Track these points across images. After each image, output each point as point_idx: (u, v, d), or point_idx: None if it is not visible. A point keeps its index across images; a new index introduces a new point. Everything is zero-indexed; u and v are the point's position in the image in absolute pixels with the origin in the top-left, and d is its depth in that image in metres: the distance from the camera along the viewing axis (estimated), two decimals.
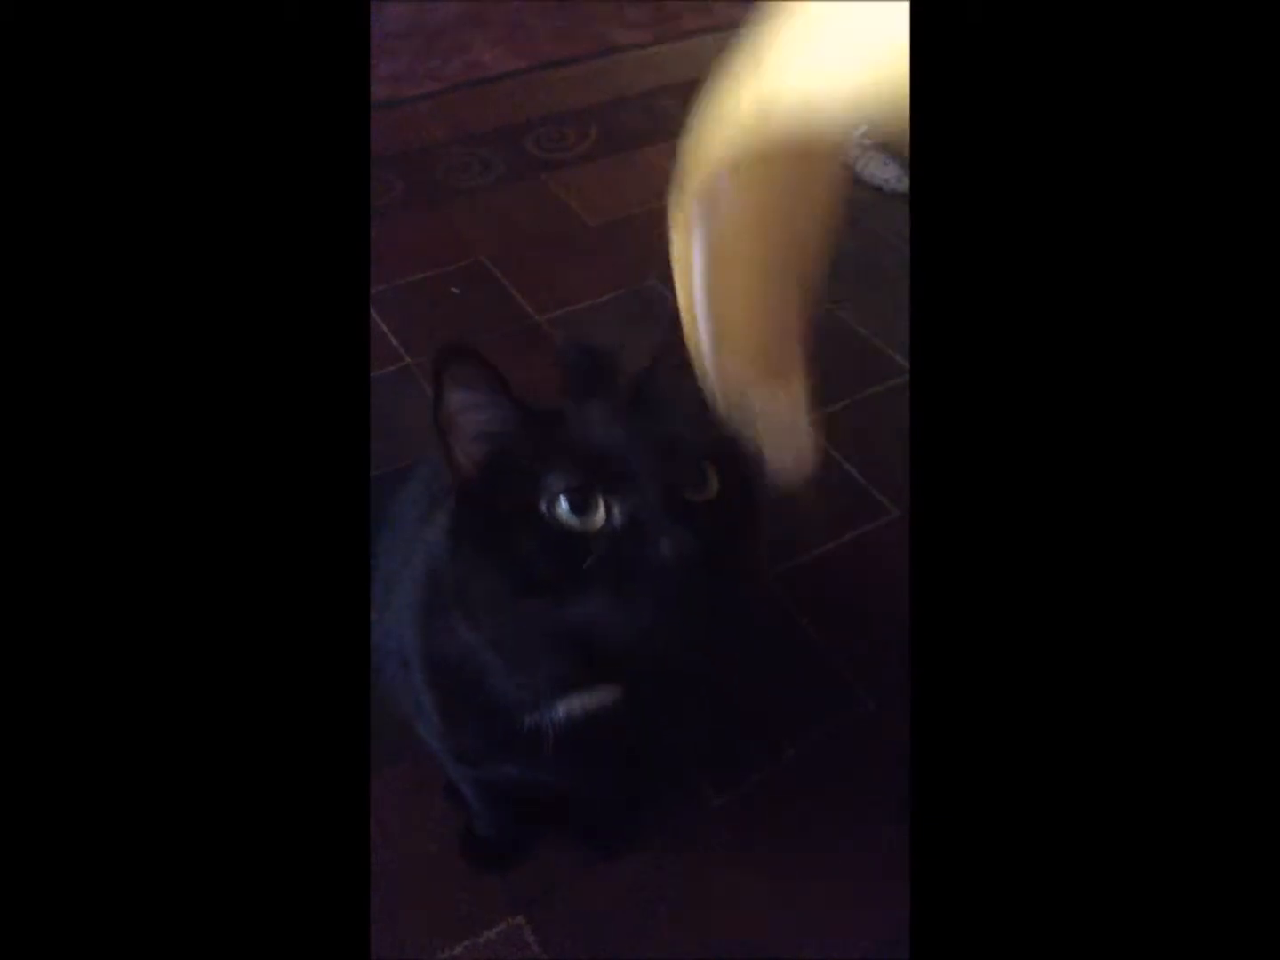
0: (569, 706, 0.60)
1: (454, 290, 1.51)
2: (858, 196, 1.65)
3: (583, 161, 1.78)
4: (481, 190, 1.71)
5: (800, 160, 0.48)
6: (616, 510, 0.50)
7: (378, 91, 1.95)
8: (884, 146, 1.68)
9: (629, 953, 0.83)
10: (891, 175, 1.64)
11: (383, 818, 0.90)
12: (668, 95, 1.97)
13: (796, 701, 1.00)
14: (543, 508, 0.50)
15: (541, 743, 0.60)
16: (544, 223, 1.63)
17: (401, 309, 1.46)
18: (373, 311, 1.46)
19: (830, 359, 1.37)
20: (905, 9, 0.41)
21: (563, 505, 0.50)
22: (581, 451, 0.51)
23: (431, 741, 0.74)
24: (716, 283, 0.50)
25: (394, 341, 1.40)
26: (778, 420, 0.53)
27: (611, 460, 0.50)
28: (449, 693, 0.65)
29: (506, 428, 0.53)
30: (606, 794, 0.87)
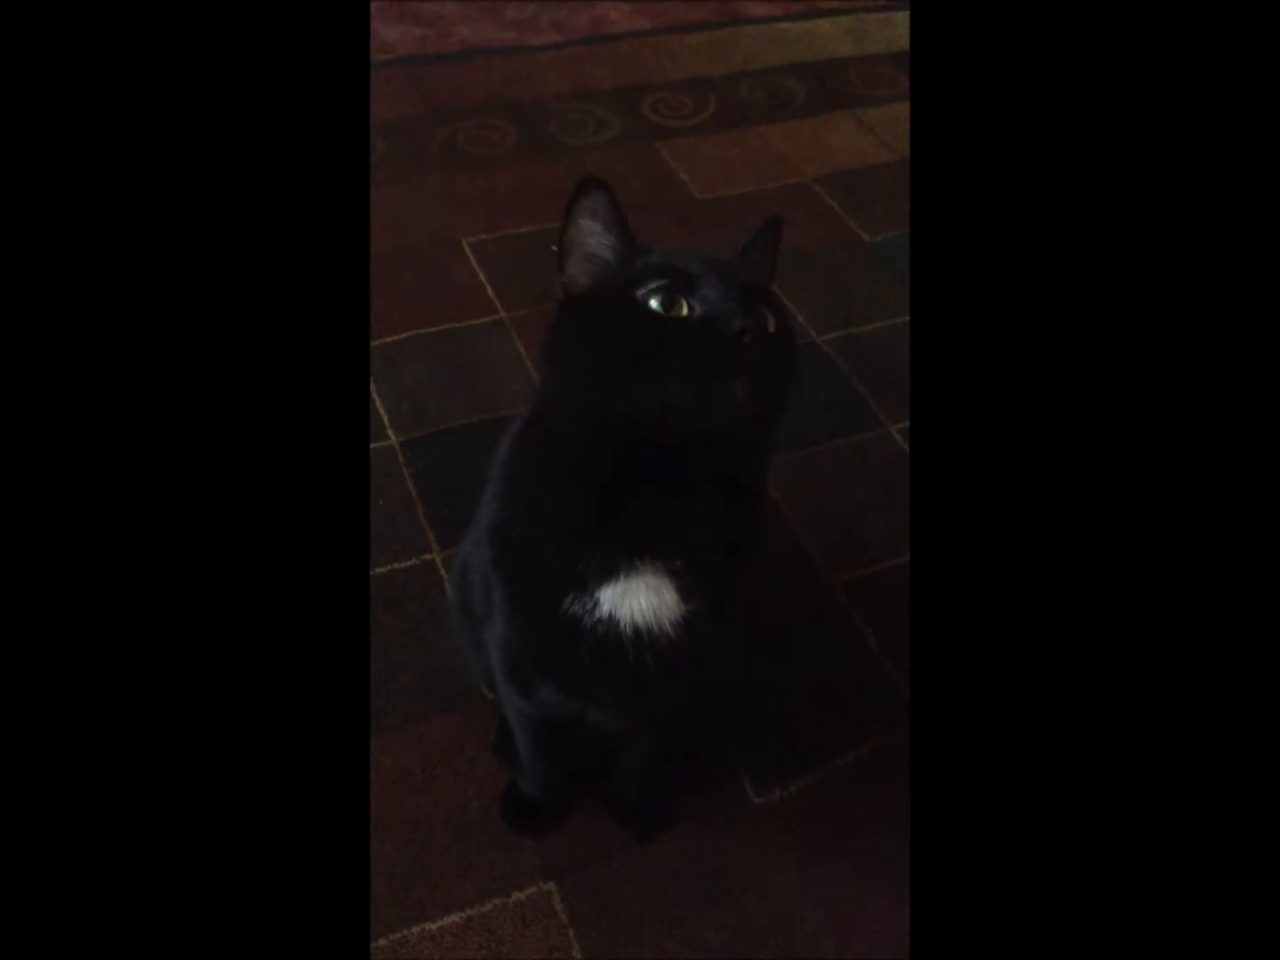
0: (611, 602, 0.63)
1: (554, 248, 1.50)
2: None
3: (698, 132, 1.76)
4: (594, 149, 1.70)
5: None
6: (695, 307, 0.58)
7: (502, 36, 1.94)
8: None
9: (651, 936, 0.84)
10: None
11: (429, 767, 0.92)
12: (791, 74, 1.93)
13: (853, 712, 0.99)
14: (639, 295, 0.58)
15: (583, 641, 0.64)
16: (651, 190, 1.61)
17: (500, 261, 1.45)
18: (472, 261, 1.46)
19: None
20: None
21: (652, 303, 0.58)
22: (668, 269, 0.60)
23: (494, 654, 0.75)
24: None
25: (489, 293, 1.40)
26: None
27: (694, 276, 0.59)
28: (508, 572, 0.67)
29: (614, 255, 0.62)
30: (652, 731, 0.85)
